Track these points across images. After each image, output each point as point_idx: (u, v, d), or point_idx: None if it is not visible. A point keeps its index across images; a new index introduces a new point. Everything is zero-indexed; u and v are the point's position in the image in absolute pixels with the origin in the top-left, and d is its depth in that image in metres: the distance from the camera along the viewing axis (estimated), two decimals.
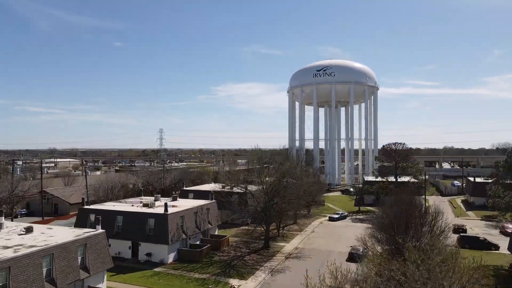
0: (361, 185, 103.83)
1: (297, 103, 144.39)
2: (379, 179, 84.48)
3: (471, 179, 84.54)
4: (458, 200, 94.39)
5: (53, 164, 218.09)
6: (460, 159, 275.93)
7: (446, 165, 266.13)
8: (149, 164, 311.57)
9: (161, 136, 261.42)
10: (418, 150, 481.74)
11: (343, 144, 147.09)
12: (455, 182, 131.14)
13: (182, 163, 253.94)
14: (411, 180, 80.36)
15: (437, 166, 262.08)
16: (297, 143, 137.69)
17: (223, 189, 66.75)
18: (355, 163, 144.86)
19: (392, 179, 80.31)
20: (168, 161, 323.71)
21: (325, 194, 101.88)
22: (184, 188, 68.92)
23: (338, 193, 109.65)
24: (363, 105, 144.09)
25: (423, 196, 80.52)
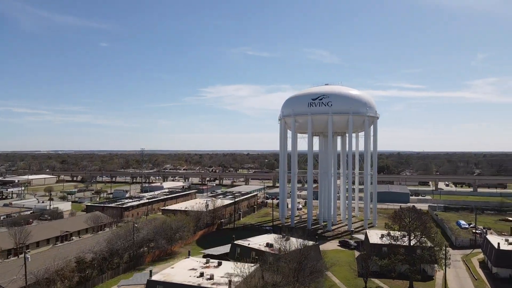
0: (362, 238, 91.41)
1: (289, 131, 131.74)
2: (385, 239, 71.98)
3: (494, 244, 72.33)
4: (475, 261, 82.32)
5: (23, 188, 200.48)
6: (455, 179, 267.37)
7: (441, 184, 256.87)
8: (130, 180, 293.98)
9: (142, 158, 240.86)
10: (408, 159, 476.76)
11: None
12: (462, 222, 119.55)
13: (166, 184, 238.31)
14: (425, 245, 68.19)
15: (431, 185, 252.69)
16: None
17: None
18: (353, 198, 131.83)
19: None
20: (151, 178, 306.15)
21: (321, 247, 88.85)
22: (152, 279, 54.41)
23: (335, 245, 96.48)
24: (361, 133, 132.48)
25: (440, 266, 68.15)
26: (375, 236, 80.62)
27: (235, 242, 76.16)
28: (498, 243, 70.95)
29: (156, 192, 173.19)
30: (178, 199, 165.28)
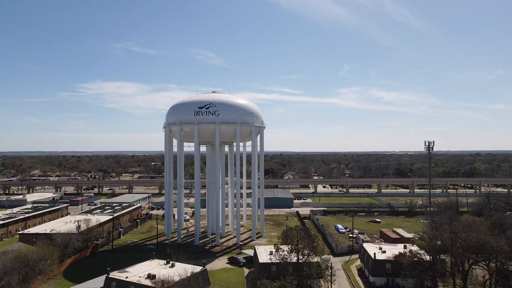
0: (251, 254, 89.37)
1: (175, 140, 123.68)
2: (274, 258, 70.58)
3: (371, 254, 77.09)
4: (354, 268, 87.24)
5: None
6: (331, 181, 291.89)
7: (319, 187, 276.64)
8: None
9: None
10: (290, 160, 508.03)
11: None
12: (340, 227, 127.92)
13: (31, 196, 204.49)
14: (312, 261, 68.84)
15: (311, 188, 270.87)
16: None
17: None
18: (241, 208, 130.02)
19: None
20: (12, 188, 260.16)
21: (208, 268, 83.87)
22: None
23: (224, 262, 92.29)
24: (248, 143, 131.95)
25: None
26: (264, 253, 78.79)
27: (111, 275, 65.77)
28: (375, 254, 75.64)
29: (15, 209, 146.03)
30: (45, 216, 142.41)
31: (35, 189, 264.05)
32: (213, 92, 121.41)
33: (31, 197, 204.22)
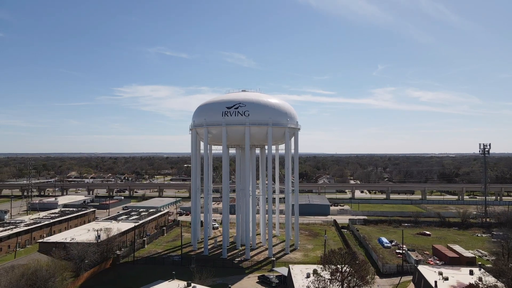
0: (285, 273, 78.28)
1: (202, 143, 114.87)
2: (313, 284, 59.16)
3: (430, 281, 63.63)
4: None
5: None
6: (370, 187, 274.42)
7: (357, 192, 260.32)
8: (21, 194, 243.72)
9: (29, 167, 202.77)
10: (324, 163, 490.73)
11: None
12: (384, 240, 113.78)
13: (62, 199, 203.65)
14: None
15: (348, 193, 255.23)
16: None
17: None
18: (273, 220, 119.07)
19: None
20: (47, 190, 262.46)
21: (238, 285, 73.94)
22: None
23: (254, 281, 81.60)
24: (281, 146, 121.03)
25: None
26: (299, 275, 67.61)
27: None
28: (436, 282, 62.17)
29: (42, 214, 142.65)
30: (71, 221, 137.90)
31: (69, 191, 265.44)
32: (243, 91, 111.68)
33: (62, 199, 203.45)
